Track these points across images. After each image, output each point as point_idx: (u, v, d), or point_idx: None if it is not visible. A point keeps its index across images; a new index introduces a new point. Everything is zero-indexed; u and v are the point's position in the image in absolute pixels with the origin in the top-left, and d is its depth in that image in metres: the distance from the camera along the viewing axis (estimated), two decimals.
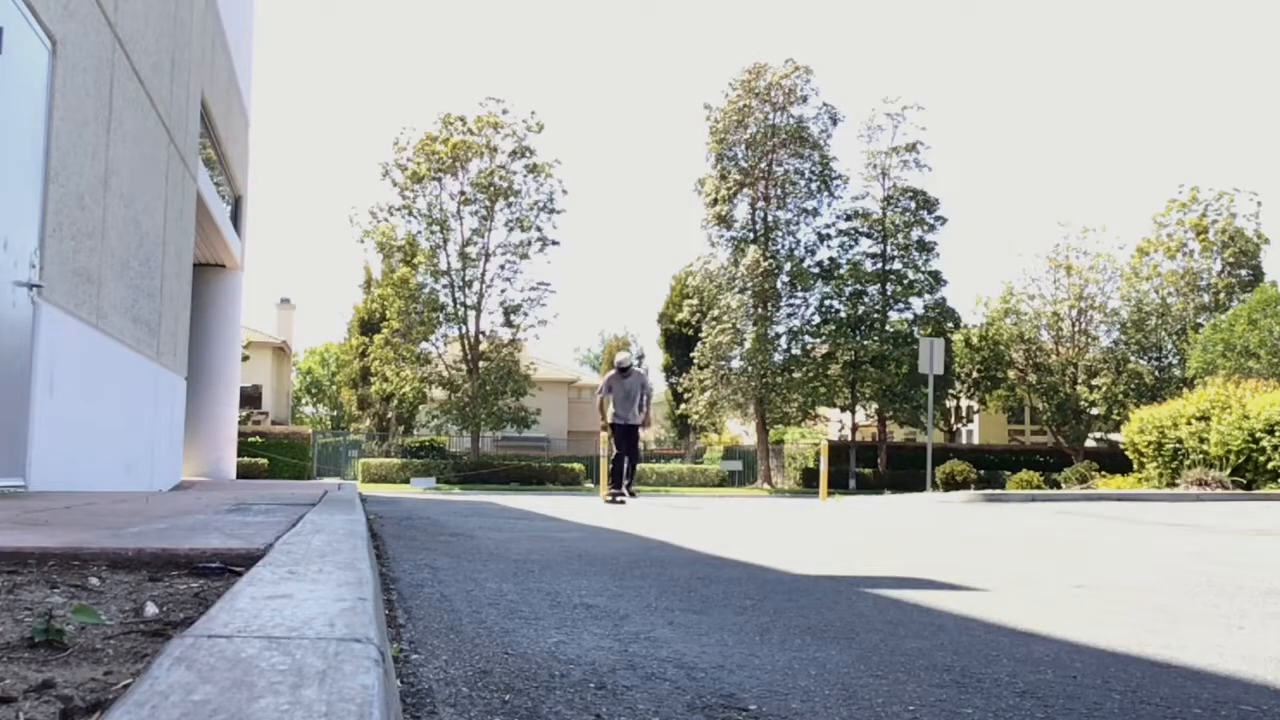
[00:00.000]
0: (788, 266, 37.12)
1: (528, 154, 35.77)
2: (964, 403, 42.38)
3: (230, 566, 2.45)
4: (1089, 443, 39.51)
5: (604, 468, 17.86)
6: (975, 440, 47.45)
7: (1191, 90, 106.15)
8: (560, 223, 68.75)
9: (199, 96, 11.35)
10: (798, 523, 8.38)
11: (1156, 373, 38.51)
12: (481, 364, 35.50)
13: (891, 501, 14.48)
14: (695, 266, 38.79)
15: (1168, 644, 2.58)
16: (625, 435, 12.30)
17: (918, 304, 37.45)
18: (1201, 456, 16.28)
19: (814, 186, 37.84)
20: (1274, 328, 29.79)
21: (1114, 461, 27.33)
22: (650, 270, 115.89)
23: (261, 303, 63.46)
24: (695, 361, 37.64)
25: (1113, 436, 37.31)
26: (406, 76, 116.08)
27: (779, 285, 37.14)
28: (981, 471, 30.08)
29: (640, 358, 13.62)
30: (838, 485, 33.19)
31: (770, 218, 37.65)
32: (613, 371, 12.52)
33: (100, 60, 6.96)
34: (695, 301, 38.14)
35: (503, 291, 36.00)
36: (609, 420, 12.47)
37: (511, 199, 35.73)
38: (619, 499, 11.78)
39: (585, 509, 10.06)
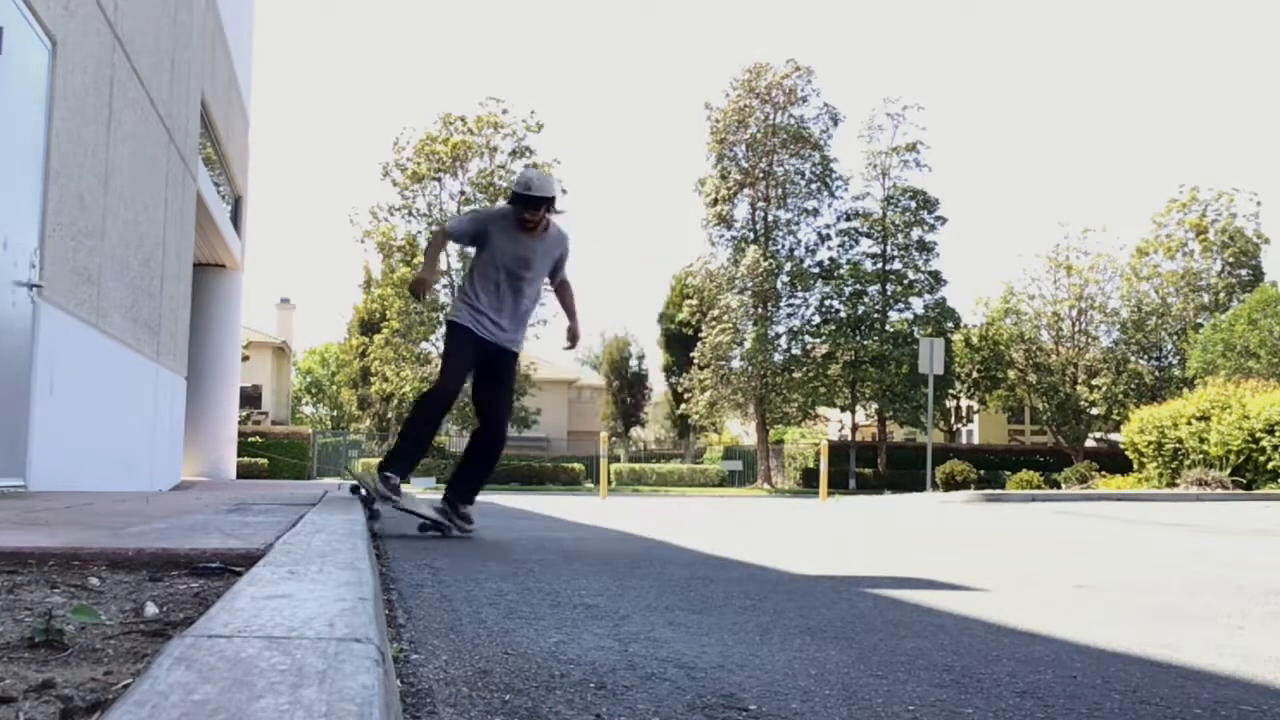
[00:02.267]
0: (788, 266, 37.14)
1: (528, 154, 35.80)
2: (964, 403, 42.40)
3: (230, 566, 2.45)
4: (1089, 443, 39.53)
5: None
6: (975, 440, 47.45)
7: (1191, 90, 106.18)
8: (560, 222, 68.59)
9: (199, 96, 11.35)
10: (798, 523, 8.38)
11: (1156, 373, 38.54)
12: None
13: (891, 501, 14.48)
14: (695, 266, 38.81)
15: (1168, 644, 2.58)
16: (485, 368, 5.50)
17: (918, 304, 37.51)
18: (1201, 456, 16.28)
19: (814, 187, 37.87)
20: (1274, 328, 29.79)
21: (1114, 461, 27.34)
22: (650, 270, 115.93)
23: (261, 303, 63.56)
24: (695, 361, 37.63)
25: (1113, 436, 37.31)
26: (406, 76, 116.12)
27: (779, 285, 37.16)
28: (981, 471, 30.08)
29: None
30: (838, 485, 33.19)
31: (770, 218, 37.67)
32: (499, 205, 5.08)
33: (100, 60, 6.96)
34: (695, 301, 38.15)
35: None
36: (454, 316, 5.50)
37: None
38: (390, 498, 5.33)
39: (585, 509, 10.07)
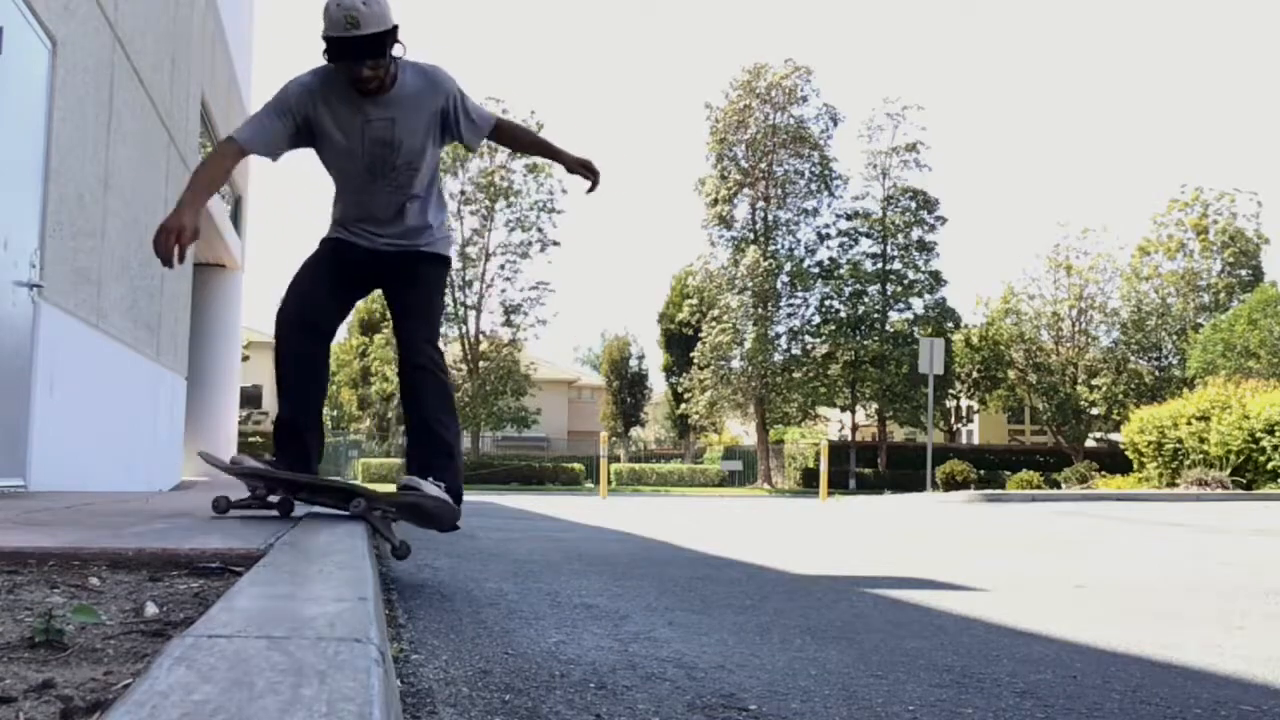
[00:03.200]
0: (788, 266, 37.12)
1: None
2: (964, 403, 42.36)
3: (230, 566, 2.45)
4: (1089, 443, 39.48)
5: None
6: (975, 440, 47.42)
7: (1191, 90, 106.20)
8: (560, 222, 68.78)
9: (199, 96, 11.35)
10: (798, 523, 8.38)
11: (1156, 373, 38.49)
12: (481, 364, 35.50)
13: (892, 501, 14.48)
14: (695, 266, 38.81)
15: (1168, 644, 2.58)
16: (384, 285, 3.72)
17: (918, 304, 37.47)
18: (1201, 456, 16.27)
19: (814, 186, 37.85)
20: (1274, 328, 29.79)
21: (1114, 461, 27.31)
22: (650, 270, 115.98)
23: (261, 303, 63.66)
24: (695, 361, 37.62)
25: (1113, 436, 37.28)
26: None
27: (779, 285, 37.14)
28: (981, 471, 30.02)
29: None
30: (838, 485, 33.18)
31: (770, 218, 37.66)
32: (308, 72, 3.44)
33: (100, 60, 6.96)
34: (695, 301, 38.12)
35: (503, 291, 36.04)
36: (330, 234, 3.69)
37: (512, 199, 35.77)
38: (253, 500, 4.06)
39: (585, 509, 10.07)
